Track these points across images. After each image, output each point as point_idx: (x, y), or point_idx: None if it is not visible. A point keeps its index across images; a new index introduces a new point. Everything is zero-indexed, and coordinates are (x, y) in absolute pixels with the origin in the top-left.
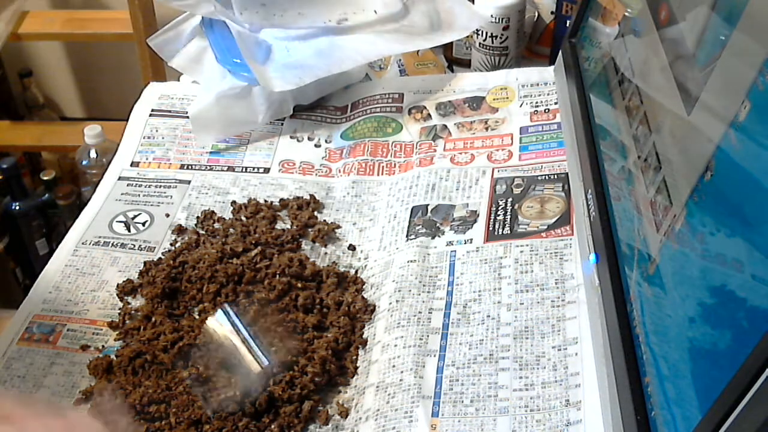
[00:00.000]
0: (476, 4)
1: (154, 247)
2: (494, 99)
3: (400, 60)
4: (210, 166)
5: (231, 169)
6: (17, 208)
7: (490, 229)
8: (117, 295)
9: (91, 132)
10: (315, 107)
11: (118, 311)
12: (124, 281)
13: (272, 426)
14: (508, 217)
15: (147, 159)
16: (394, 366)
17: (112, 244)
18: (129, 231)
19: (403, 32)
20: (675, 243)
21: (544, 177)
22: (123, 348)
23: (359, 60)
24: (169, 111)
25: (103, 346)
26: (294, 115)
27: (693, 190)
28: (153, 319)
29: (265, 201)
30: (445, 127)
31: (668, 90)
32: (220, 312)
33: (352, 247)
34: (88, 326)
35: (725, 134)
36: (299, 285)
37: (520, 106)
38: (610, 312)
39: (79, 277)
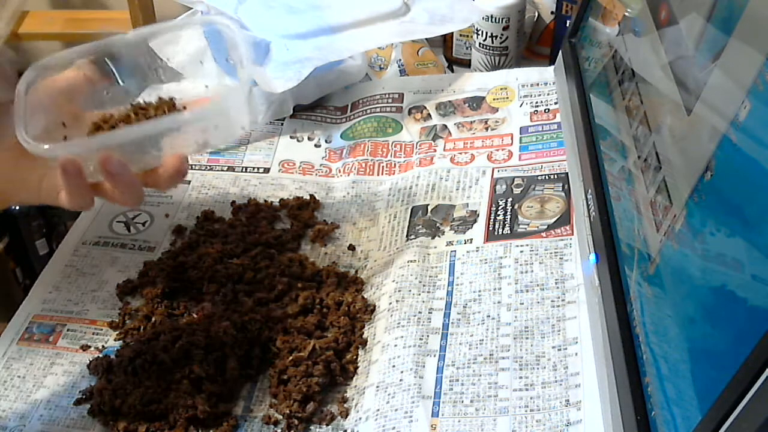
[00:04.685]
0: (476, 3)
1: (154, 247)
2: (494, 99)
3: (400, 60)
4: (210, 166)
5: (231, 169)
6: (17, 208)
7: (490, 229)
8: (117, 295)
9: None
10: (315, 107)
11: (118, 311)
12: (124, 281)
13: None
14: (508, 217)
15: None
16: (394, 366)
17: (112, 244)
18: (129, 231)
19: (403, 27)
20: (675, 243)
21: (544, 177)
22: (123, 348)
23: (358, 49)
24: None
25: (103, 346)
26: (294, 115)
27: (693, 190)
28: (153, 319)
29: (265, 201)
30: (445, 127)
31: (668, 90)
32: None
33: (352, 247)
34: (88, 326)
35: (725, 134)
36: (299, 285)
37: (520, 106)
38: (610, 312)
39: (79, 277)
